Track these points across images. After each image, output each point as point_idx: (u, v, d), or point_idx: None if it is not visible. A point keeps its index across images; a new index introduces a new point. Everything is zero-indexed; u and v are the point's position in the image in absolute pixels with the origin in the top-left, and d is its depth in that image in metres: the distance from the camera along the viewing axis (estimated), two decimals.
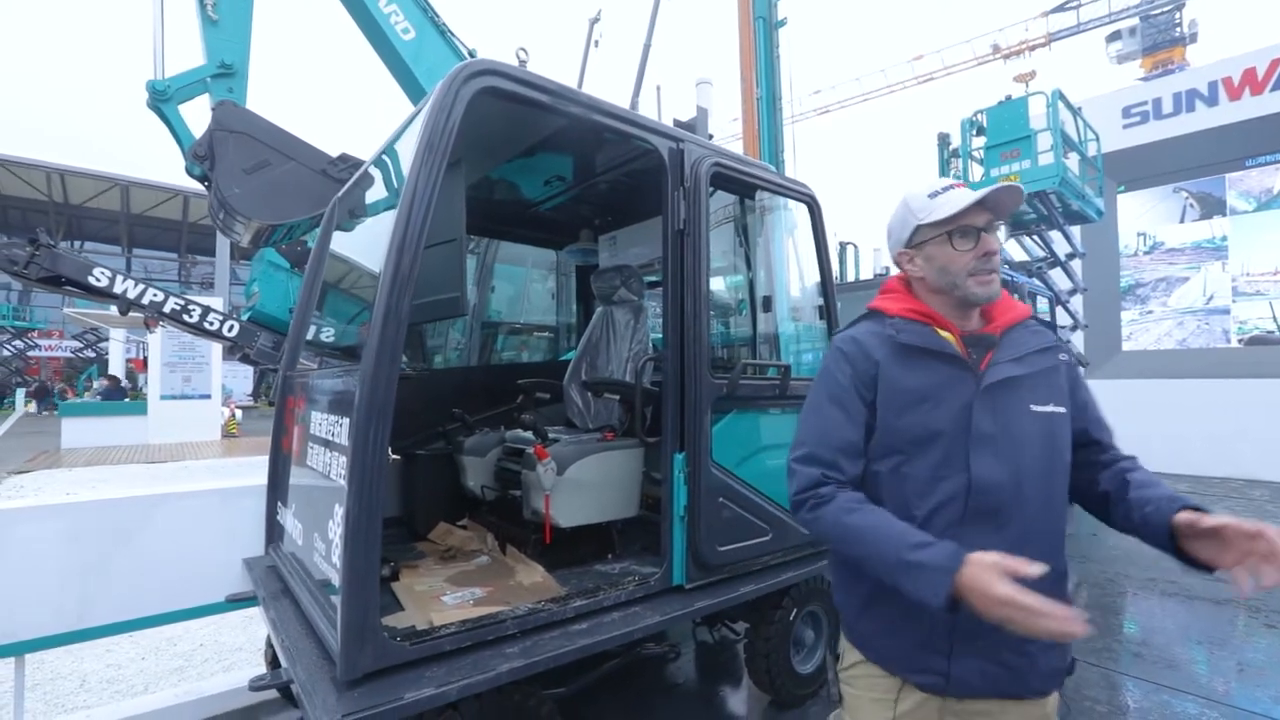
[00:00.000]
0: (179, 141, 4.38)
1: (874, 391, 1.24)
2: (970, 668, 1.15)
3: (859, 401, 1.24)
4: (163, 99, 4.34)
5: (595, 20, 10.93)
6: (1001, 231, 8.26)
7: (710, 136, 2.68)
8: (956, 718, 1.20)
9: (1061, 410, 1.22)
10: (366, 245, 2.52)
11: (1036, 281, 7.80)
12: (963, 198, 1.22)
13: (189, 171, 4.44)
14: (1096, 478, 1.26)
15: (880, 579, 1.11)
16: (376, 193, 2.45)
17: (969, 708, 1.19)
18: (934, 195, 1.25)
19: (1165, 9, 19.05)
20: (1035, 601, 0.91)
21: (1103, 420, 1.31)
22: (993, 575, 0.95)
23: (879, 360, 1.25)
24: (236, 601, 2.53)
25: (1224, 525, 1.01)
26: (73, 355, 30.46)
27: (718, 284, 3.27)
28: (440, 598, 2.09)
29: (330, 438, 1.86)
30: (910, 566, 1.04)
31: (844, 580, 1.32)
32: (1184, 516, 1.06)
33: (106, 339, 22.59)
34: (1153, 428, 9.99)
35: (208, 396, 14.53)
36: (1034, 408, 1.19)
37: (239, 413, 17.15)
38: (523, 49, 3.05)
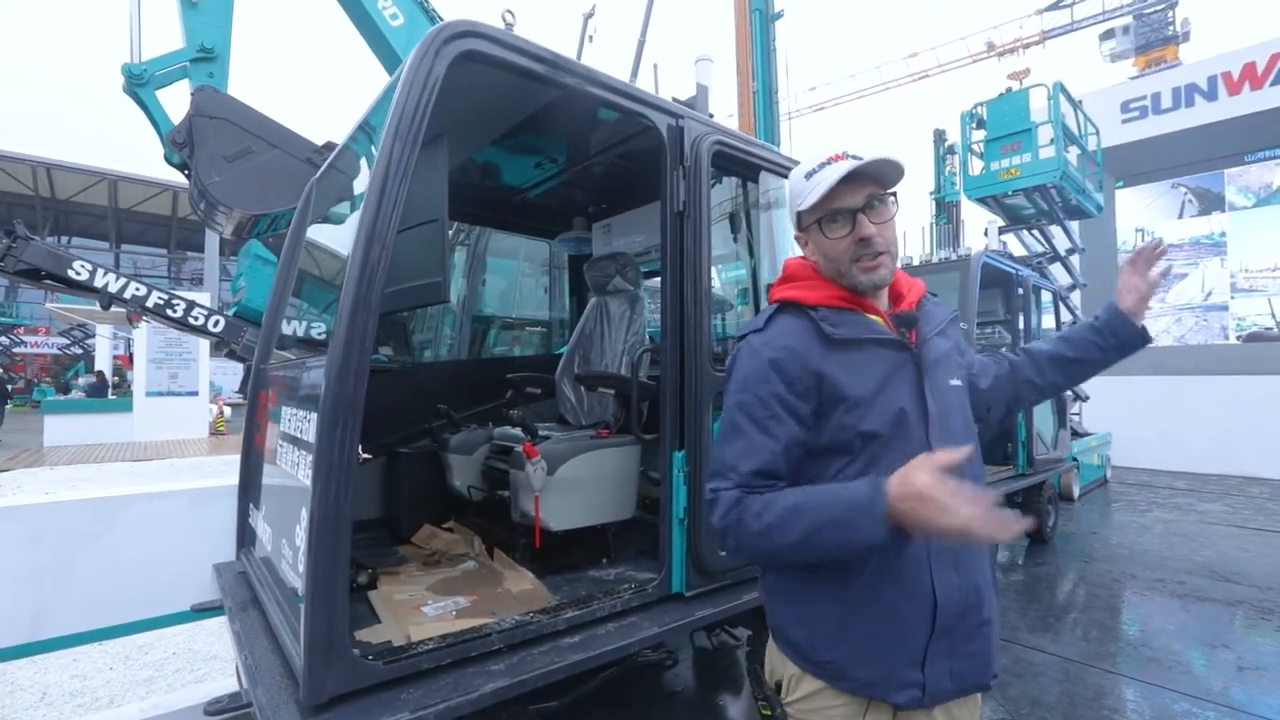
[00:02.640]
0: (157, 128, 4.23)
1: (815, 399, 1.12)
2: (941, 670, 1.09)
3: (789, 419, 1.10)
4: (139, 83, 4.20)
5: (589, 15, 10.74)
6: (993, 231, 8.17)
7: (711, 115, 2.56)
8: None
9: (962, 382, 1.23)
10: (344, 229, 2.36)
11: (1038, 275, 7.71)
12: (827, 179, 1.09)
13: (168, 159, 4.28)
14: (1026, 385, 1.36)
15: (825, 551, 1.03)
16: (353, 172, 2.29)
17: (922, 715, 1.12)
18: (810, 175, 1.13)
19: (1158, 8, 19.08)
20: (956, 487, 0.89)
21: (977, 357, 1.38)
22: (914, 471, 0.93)
23: (816, 362, 1.11)
24: (202, 611, 2.38)
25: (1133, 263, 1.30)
26: (59, 352, 30.04)
27: (718, 271, 3.13)
28: (420, 608, 1.94)
29: (298, 434, 1.70)
30: (846, 509, 0.99)
31: (803, 612, 1.16)
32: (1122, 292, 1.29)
33: (93, 335, 22.25)
34: (1151, 425, 9.95)
35: (195, 393, 14.30)
36: (953, 381, 1.19)
37: (228, 410, 16.85)
38: (509, 11, 2.86)
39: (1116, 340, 1.29)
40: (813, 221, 1.16)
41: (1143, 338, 1.28)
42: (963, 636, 1.10)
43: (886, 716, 1.12)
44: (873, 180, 1.12)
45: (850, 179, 1.10)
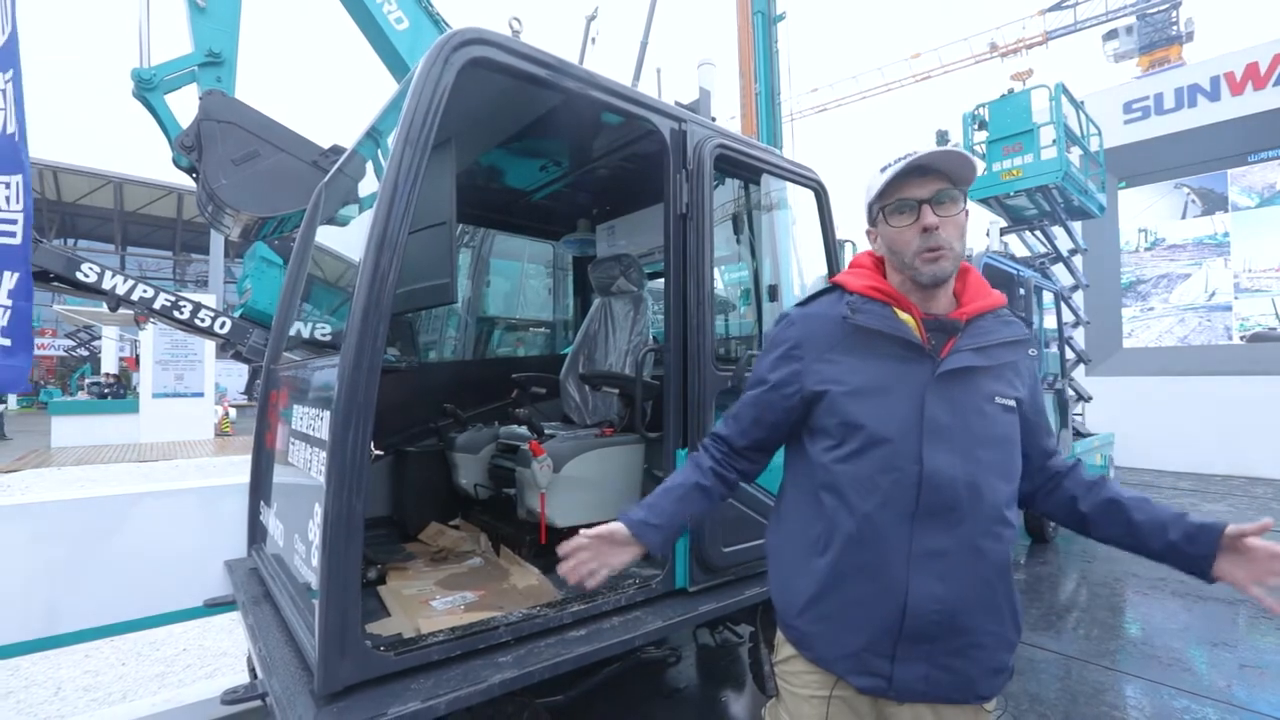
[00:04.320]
0: (165, 132, 4.27)
1: (813, 376, 1.19)
2: (914, 673, 1.10)
3: (778, 387, 1.23)
4: (148, 88, 4.23)
5: (592, 18, 10.77)
6: (994, 232, 8.17)
7: (714, 119, 2.58)
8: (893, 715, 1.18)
9: (1015, 404, 1.18)
10: (353, 232, 2.40)
11: (1040, 276, 7.71)
12: (896, 168, 1.13)
13: (176, 163, 4.32)
14: (1063, 495, 1.24)
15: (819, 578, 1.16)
16: (362, 176, 2.33)
17: (906, 710, 1.15)
18: (884, 169, 1.16)
19: (1161, 8, 19.01)
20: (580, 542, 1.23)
21: (1046, 427, 1.28)
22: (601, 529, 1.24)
23: (829, 343, 1.19)
24: (215, 606, 2.42)
25: (1258, 546, 1.05)
26: (66, 354, 30.20)
27: (721, 272, 3.16)
28: (429, 602, 1.98)
29: (310, 433, 1.74)
30: None
31: (783, 579, 1.25)
32: (1233, 530, 1.07)
33: (99, 337, 22.37)
34: (1154, 425, 9.93)
35: (200, 395, 14.38)
36: (997, 400, 1.15)
37: (233, 411, 16.95)
38: (516, 18, 2.90)
39: (1187, 549, 1.11)
40: (879, 210, 1.19)
41: (1204, 575, 1.10)
42: (946, 650, 1.10)
43: (857, 697, 1.15)
44: (945, 177, 1.13)
45: (921, 172, 1.13)
